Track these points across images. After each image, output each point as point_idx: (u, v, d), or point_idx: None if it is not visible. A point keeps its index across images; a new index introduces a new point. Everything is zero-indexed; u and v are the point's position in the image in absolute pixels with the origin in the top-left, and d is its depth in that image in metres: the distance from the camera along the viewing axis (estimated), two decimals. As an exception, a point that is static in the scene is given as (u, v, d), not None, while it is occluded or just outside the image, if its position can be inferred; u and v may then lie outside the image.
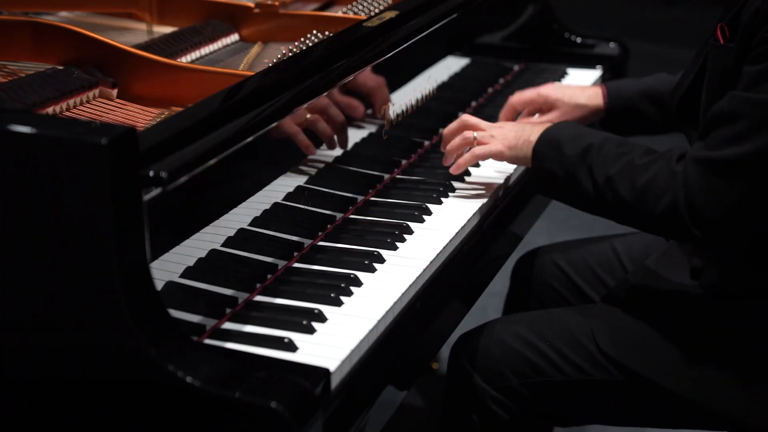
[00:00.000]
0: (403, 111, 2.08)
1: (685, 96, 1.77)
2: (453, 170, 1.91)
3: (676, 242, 1.85)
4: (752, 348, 1.69)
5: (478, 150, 1.87)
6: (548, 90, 2.15)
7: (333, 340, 1.44)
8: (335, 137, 1.84)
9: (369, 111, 1.99)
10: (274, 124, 1.60)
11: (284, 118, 1.66)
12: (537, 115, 2.19)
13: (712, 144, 1.59)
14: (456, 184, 1.95)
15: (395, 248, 1.70)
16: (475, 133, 1.88)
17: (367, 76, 1.95)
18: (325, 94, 1.77)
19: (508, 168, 2.03)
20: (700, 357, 1.70)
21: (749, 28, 1.58)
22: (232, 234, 1.62)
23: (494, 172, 2.02)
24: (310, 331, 1.46)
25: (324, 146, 1.83)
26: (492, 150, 1.85)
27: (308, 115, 1.75)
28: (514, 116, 2.20)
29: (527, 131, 1.83)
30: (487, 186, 1.96)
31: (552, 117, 2.13)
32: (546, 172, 1.77)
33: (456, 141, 1.90)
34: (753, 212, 1.58)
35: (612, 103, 2.14)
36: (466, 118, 1.92)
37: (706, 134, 1.61)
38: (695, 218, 1.59)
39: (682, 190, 1.59)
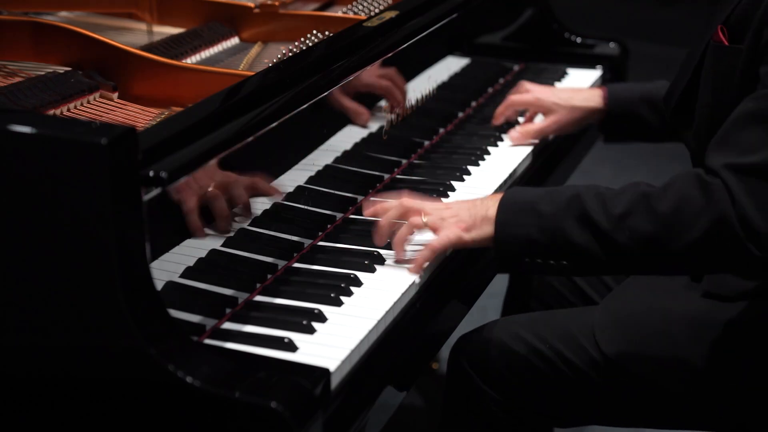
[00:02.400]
0: (403, 111, 2.08)
1: (680, 98, 1.76)
2: (412, 270, 1.63)
3: None
4: (752, 349, 1.69)
5: (435, 243, 1.62)
6: (546, 95, 2.15)
7: (333, 340, 1.44)
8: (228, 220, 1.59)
9: (368, 111, 1.99)
10: (274, 124, 1.60)
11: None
12: (523, 118, 2.20)
13: (745, 149, 1.48)
14: (456, 184, 1.95)
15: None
16: (424, 218, 1.64)
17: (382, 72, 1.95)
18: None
19: (510, 167, 2.03)
20: (701, 358, 1.69)
21: (759, 29, 1.56)
22: (232, 234, 1.62)
23: (495, 171, 2.02)
24: (310, 331, 1.46)
25: (324, 146, 1.84)
26: (450, 238, 1.61)
27: (209, 189, 1.51)
28: (515, 115, 2.20)
29: (480, 207, 1.62)
30: (487, 185, 1.95)
31: (547, 123, 2.13)
32: (519, 241, 1.56)
33: (403, 231, 1.64)
34: None
35: (612, 105, 2.13)
36: (407, 202, 1.66)
37: (732, 140, 1.51)
38: (750, 232, 1.44)
39: (729, 203, 1.45)
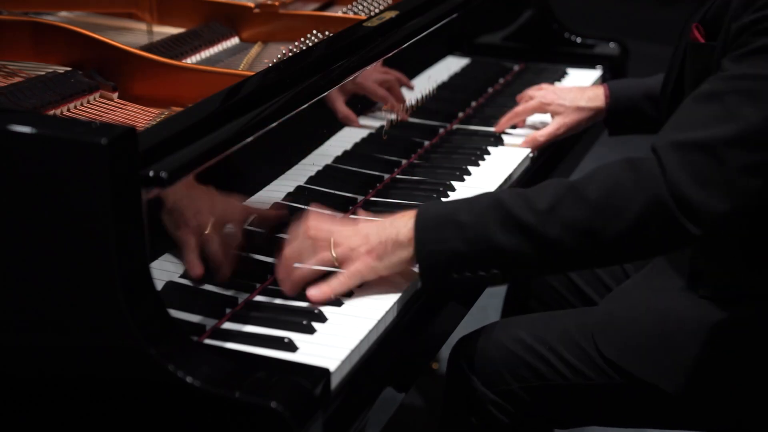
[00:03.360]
0: (402, 111, 2.08)
1: (669, 98, 1.76)
2: (315, 299, 1.51)
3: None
4: (751, 350, 1.69)
5: (345, 280, 1.50)
6: (549, 97, 2.16)
7: (333, 340, 1.44)
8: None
9: (368, 111, 1.99)
10: (274, 124, 1.60)
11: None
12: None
13: (688, 126, 1.44)
14: (456, 184, 1.95)
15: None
16: (333, 253, 1.51)
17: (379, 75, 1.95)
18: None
19: (510, 166, 2.03)
20: (701, 360, 1.69)
21: (729, 24, 1.56)
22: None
23: (495, 170, 2.02)
24: (310, 331, 1.46)
25: (324, 146, 1.83)
26: (362, 271, 1.51)
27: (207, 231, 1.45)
28: (522, 123, 2.21)
29: (390, 230, 1.51)
30: (487, 185, 1.95)
31: (555, 126, 2.14)
32: (443, 256, 1.47)
33: (312, 264, 1.52)
34: (755, 194, 1.44)
35: (613, 103, 2.14)
36: (313, 229, 1.52)
37: (680, 119, 1.48)
38: (687, 209, 1.41)
39: (664, 184, 1.41)
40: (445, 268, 1.49)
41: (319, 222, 1.54)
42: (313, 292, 1.51)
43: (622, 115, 2.15)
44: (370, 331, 1.48)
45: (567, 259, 1.48)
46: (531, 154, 2.13)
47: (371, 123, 1.99)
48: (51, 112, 1.66)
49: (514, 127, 2.22)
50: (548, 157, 2.20)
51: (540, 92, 2.19)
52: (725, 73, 1.49)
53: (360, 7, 2.21)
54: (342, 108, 1.86)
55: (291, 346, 1.41)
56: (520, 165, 2.07)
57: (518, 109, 2.19)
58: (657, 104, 2.10)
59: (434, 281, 1.51)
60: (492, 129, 2.20)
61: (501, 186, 1.97)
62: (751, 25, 1.49)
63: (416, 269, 1.53)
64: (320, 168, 1.84)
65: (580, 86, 2.23)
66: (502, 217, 1.46)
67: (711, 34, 1.63)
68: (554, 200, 1.45)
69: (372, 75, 1.94)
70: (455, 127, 2.26)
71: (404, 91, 2.09)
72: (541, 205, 1.45)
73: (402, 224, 1.50)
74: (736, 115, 1.43)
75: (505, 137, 2.17)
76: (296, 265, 1.52)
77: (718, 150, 1.42)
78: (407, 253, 1.50)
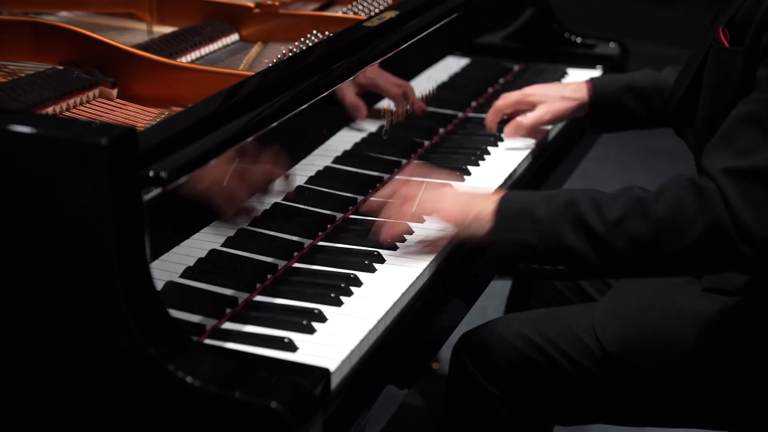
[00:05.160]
0: (403, 111, 2.08)
1: (682, 99, 1.76)
2: (427, 250, 1.68)
3: None
4: (754, 345, 1.69)
5: (432, 236, 1.67)
6: (533, 89, 2.17)
7: (333, 340, 1.44)
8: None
9: (368, 111, 1.99)
10: (274, 124, 1.60)
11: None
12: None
13: (740, 152, 1.49)
14: (456, 184, 1.95)
15: (395, 248, 1.70)
16: (415, 209, 1.68)
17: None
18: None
19: (510, 166, 2.03)
20: (702, 354, 1.70)
21: (759, 31, 1.56)
22: (232, 234, 1.62)
23: (495, 171, 2.02)
24: (310, 331, 1.46)
25: (324, 146, 1.84)
26: (443, 220, 1.66)
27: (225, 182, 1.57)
28: (501, 118, 2.19)
29: (474, 206, 1.63)
30: (487, 185, 1.95)
31: (541, 111, 2.13)
32: (517, 246, 1.58)
33: (394, 217, 1.69)
34: None
35: (596, 97, 2.15)
36: (403, 187, 1.70)
37: (730, 142, 1.52)
38: (744, 235, 1.46)
39: (723, 208, 1.46)
40: (515, 255, 1.61)
41: (410, 183, 1.71)
42: (386, 231, 1.69)
43: (605, 108, 2.15)
44: (370, 331, 1.48)
45: (628, 269, 1.57)
46: (533, 152, 2.13)
47: (371, 123, 1.99)
48: (50, 108, 1.66)
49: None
50: (548, 158, 2.20)
51: (521, 90, 2.18)
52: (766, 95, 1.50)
53: (360, 7, 2.21)
54: (352, 98, 1.87)
55: (291, 346, 1.41)
56: (520, 165, 2.07)
57: (498, 103, 2.17)
58: (640, 98, 2.12)
59: (502, 264, 1.65)
60: (491, 131, 2.19)
61: (501, 186, 1.97)
62: None
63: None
64: (320, 168, 1.84)
65: (563, 83, 2.23)
66: (574, 220, 1.54)
67: (736, 39, 1.62)
68: (622, 213, 1.51)
69: (384, 76, 1.95)
70: (455, 127, 2.26)
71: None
72: (610, 216, 1.51)
73: (487, 204, 1.61)
74: None
75: (505, 137, 2.17)
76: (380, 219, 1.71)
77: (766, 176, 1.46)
78: (482, 231, 1.61)
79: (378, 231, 1.70)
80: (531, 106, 2.16)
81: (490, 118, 2.18)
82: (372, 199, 1.72)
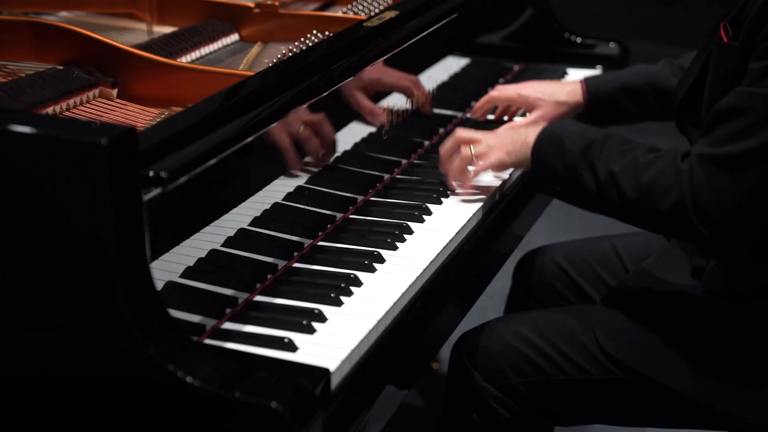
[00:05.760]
0: (403, 111, 2.08)
1: (687, 95, 1.77)
2: (465, 188, 1.90)
3: (678, 242, 1.85)
4: (754, 348, 1.69)
5: (482, 164, 1.85)
6: (528, 90, 2.16)
7: (333, 340, 1.44)
8: (322, 154, 1.83)
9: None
10: (274, 124, 1.60)
11: (278, 125, 1.65)
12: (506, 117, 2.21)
13: (716, 141, 1.58)
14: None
15: (395, 248, 1.70)
16: (472, 148, 1.86)
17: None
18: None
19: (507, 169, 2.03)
20: (702, 356, 1.70)
21: (752, 26, 1.57)
22: (232, 234, 1.62)
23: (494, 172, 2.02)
24: (310, 331, 1.46)
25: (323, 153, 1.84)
26: (493, 161, 1.84)
27: (301, 129, 1.75)
28: (491, 110, 2.21)
29: (523, 133, 1.82)
30: (487, 185, 1.95)
31: (534, 116, 2.13)
32: (547, 168, 1.76)
33: (456, 162, 1.88)
34: (759, 209, 1.57)
35: (591, 99, 2.16)
36: (460, 133, 1.89)
37: (710, 131, 1.60)
38: (702, 216, 1.57)
39: (688, 189, 1.58)
40: (545, 177, 1.78)
41: (466, 130, 1.91)
42: (464, 188, 1.91)
43: (600, 108, 2.16)
44: (370, 331, 1.48)
45: (617, 216, 1.72)
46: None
47: (371, 123, 1.99)
48: (50, 108, 1.66)
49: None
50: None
51: (517, 84, 2.19)
52: (748, 89, 1.56)
53: (360, 7, 2.21)
54: (368, 105, 1.92)
55: (291, 346, 1.41)
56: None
57: (493, 93, 2.19)
58: (634, 96, 2.14)
59: (538, 182, 1.86)
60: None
61: (500, 185, 1.97)
62: None
63: None
64: (320, 168, 1.84)
65: (558, 81, 2.23)
66: (590, 162, 1.70)
67: (737, 34, 1.64)
68: (620, 168, 1.66)
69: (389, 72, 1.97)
70: (455, 127, 2.25)
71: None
72: (613, 166, 1.67)
73: (533, 131, 1.80)
74: (751, 134, 1.54)
75: None
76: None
77: (732, 165, 1.55)
78: (527, 154, 1.79)
79: (446, 173, 1.90)
80: (525, 106, 2.16)
81: (481, 105, 2.20)
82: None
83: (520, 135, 1.82)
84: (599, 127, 2.22)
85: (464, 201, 1.89)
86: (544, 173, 1.77)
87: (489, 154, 1.85)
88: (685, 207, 1.58)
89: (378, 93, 2.02)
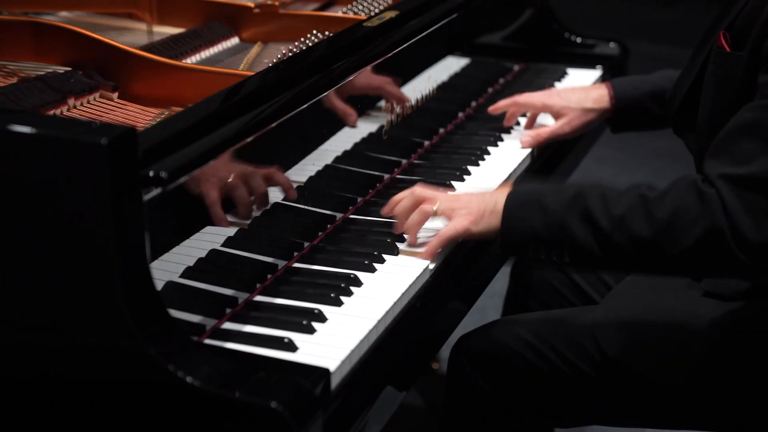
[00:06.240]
0: (403, 111, 2.08)
1: (684, 99, 1.76)
2: (424, 257, 1.68)
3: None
4: (753, 349, 1.69)
5: (444, 232, 1.68)
6: (554, 99, 2.14)
7: (333, 340, 1.44)
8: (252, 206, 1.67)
9: (368, 111, 1.99)
10: (274, 125, 1.60)
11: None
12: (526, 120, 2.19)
13: (740, 159, 1.50)
14: (456, 184, 1.95)
15: (395, 248, 1.70)
16: (435, 206, 1.69)
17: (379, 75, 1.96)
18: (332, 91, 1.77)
19: (509, 167, 2.03)
20: (701, 358, 1.70)
21: (760, 37, 1.56)
22: (232, 234, 1.62)
23: (494, 171, 2.02)
24: (310, 331, 1.46)
25: (324, 146, 1.83)
26: (458, 229, 1.67)
27: (230, 179, 1.60)
28: (518, 115, 2.19)
29: (489, 200, 1.67)
30: (486, 185, 1.95)
31: (561, 123, 2.13)
32: (524, 235, 1.60)
33: (415, 218, 1.70)
34: None
35: (618, 104, 2.13)
36: (418, 191, 1.72)
37: (729, 149, 1.53)
38: (741, 243, 1.47)
39: (722, 214, 1.47)
40: (523, 244, 1.61)
41: (425, 189, 1.73)
42: (421, 251, 1.68)
43: (627, 114, 2.14)
44: (370, 331, 1.48)
45: (627, 265, 1.61)
46: (533, 152, 2.13)
47: (371, 123, 1.99)
48: (51, 112, 1.66)
49: (513, 128, 2.21)
50: (548, 158, 2.21)
51: (543, 92, 2.18)
52: (766, 103, 1.50)
53: (360, 7, 2.21)
54: (341, 106, 1.87)
55: (291, 346, 1.41)
56: (520, 165, 2.07)
57: (519, 99, 2.15)
58: (662, 102, 2.10)
59: (512, 254, 1.67)
60: (492, 130, 2.19)
61: (501, 186, 1.97)
62: None
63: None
64: (320, 168, 1.84)
65: (583, 87, 2.21)
66: (582, 212, 1.56)
67: (737, 43, 1.62)
68: (627, 209, 1.53)
69: (370, 76, 1.95)
70: (455, 127, 2.26)
71: (404, 90, 2.09)
72: (615, 211, 1.54)
73: (500, 196, 1.64)
74: None
75: (505, 137, 2.17)
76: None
77: (765, 184, 1.47)
78: (496, 223, 1.64)
79: (401, 230, 1.72)
80: (551, 114, 2.15)
81: (505, 105, 2.16)
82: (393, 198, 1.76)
83: (486, 202, 1.67)
84: (624, 132, 2.23)
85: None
86: (522, 240, 1.62)
87: (452, 216, 1.69)
88: (721, 235, 1.47)
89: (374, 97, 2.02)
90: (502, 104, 2.18)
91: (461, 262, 1.76)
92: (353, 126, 1.93)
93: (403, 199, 1.73)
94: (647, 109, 2.13)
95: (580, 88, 2.20)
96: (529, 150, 2.12)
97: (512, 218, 1.61)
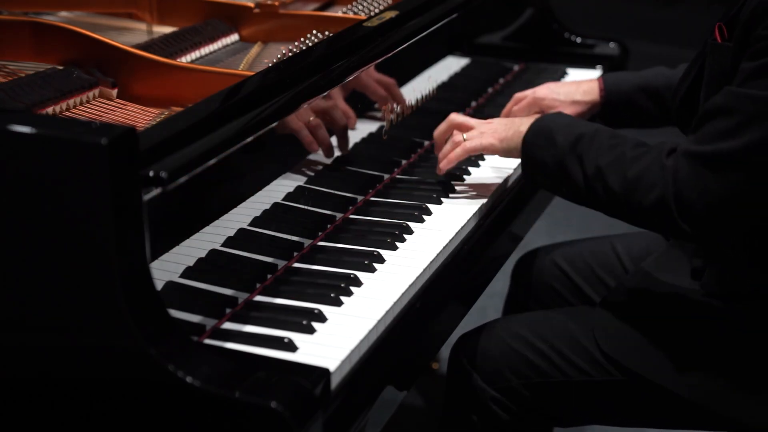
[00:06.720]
0: (403, 111, 2.08)
1: (685, 96, 1.77)
2: (443, 165, 1.89)
3: (677, 242, 1.84)
4: (752, 349, 1.69)
5: (469, 144, 1.86)
6: (544, 92, 2.14)
7: (333, 340, 1.44)
8: (334, 143, 1.85)
9: (368, 110, 1.99)
10: (273, 125, 1.60)
11: (287, 116, 1.66)
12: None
13: (703, 138, 1.58)
14: (456, 184, 1.95)
15: (395, 248, 1.70)
16: (464, 135, 1.87)
17: (377, 75, 1.96)
18: (327, 93, 1.77)
19: (508, 168, 2.03)
20: (701, 358, 1.70)
21: (747, 26, 1.58)
22: (232, 234, 1.62)
23: (494, 171, 2.02)
24: (310, 331, 1.46)
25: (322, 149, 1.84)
26: (483, 143, 1.85)
27: (311, 118, 1.77)
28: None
29: (516, 123, 1.83)
30: (486, 186, 1.95)
31: None
32: (536, 161, 1.76)
33: (447, 146, 1.89)
34: (742, 208, 1.57)
35: (608, 96, 2.14)
36: (454, 117, 1.91)
37: (698, 129, 1.60)
38: (684, 212, 1.57)
39: (671, 185, 1.57)
40: (534, 168, 1.78)
41: (460, 115, 1.92)
42: (443, 163, 1.90)
43: (617, 108, 2.14)
44: (370, 331, 1.48)
45: (605, 210, 1.71)
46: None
47: (371, 123, 1.99)
48: (50, 109, 1.66)
49: None
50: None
51: (535, 88, 2.18)
52: (737, 90, 1.56)
53: (360, 7, 2.21)
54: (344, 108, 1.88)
55: (291, 346, 1.41)
56: (520, 165, 2.07)
57: (512, 109, 2.15)
58: (653, 97, 2.11)
59: (527, 174, 1.81)
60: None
61: (500, 185, 1.97)
62: (764, 39, 1.53)
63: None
64: (320, 168, 1.84)
65: (576, 81, 2.22)
66: (578, 155, 1.70)
67: (731, 35, 1.64)
68: (609, 162, 1.66)
69: (371, 75, 1.95)
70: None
71: (404, 90, 2.09)
72: (601, 160, 1.67)
73: (527, 122, 1.81)
74: (739, 134, 1.54)
75: None
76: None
77: (718, 163, 1.55)
78: (518, 145, 1.80)
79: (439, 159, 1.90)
80: (542, 107, 2.15)
81: (508, 109, 2.16)
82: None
83: (514, 124, 1.84)
84: (616, 128, 2.23)
85: (464, 200, 1.89)
86: (534, 165, 1.77)
87: (481, 137, 1.86)
88: (667, 203, 1.58)
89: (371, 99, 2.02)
90: (508, 110, 2.17)
91: (461, 262, 1.76)
92: (352, 128, 1.94)
93: (441, 128, 1.92)
94: (637, 103, 2.13)
95: (572, 81, 2.20)
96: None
97: (530, 145, 1.77)
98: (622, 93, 2.13)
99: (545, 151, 1.74)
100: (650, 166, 1.62)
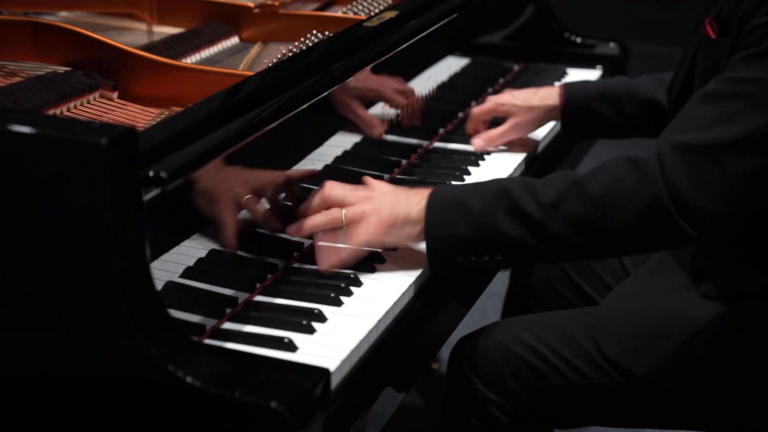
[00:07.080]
0: (403, 111, 2.08)
1: (679, 95, 1.76)
2: (323, 270, 1.59)
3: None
4: (753, 350, 1.69)
5: (352, 251, 1.59)
6: (504, 97, 2.11)
7: (333, 340, 1.44)
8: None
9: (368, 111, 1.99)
10: (273, 124, 1.60)
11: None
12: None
13: (692, 127, 1.46)
14: (456, 185, 1.95)
15: (395, 248, 1.70)
16: (344, 211, 1.58)
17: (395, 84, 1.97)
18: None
19: (511, 166, 2.03)
20: (701, 359, 1.70)
21: (742, 22, 1.56)
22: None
23: (495, 171, 2.02)
24: (310, 331, 1.46)
25: (324, 146, 1.84)
26: (369, 241, 1.57)
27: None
28: (484, 127, 2.14)
29: (402, 206, 1.57)
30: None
31: (509, 124, 2.09)
32: (449, 242, 1.53)
33: (320, 219, 1.59)
34: (754, 199, 1.46)
35: (567, 103, 2.08)
36: (329, 191, 1.60)
37: (684, 118, 1.49)
38: (686, 213, 1.44)
39: (662, 185, 1.43)
40: (451, 251, 1.54)
41: (336, 185, 1.61)
42: (324, 264, 1.58)
43: (577, 114, 2.09)
44: (370, 331, 1.48)
45: (568, 252, 1.52)
46: (532, 153, 2.13)
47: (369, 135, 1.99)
48: (51, 112, 1.66)
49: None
50: (546, 159, 2.20)
51: (498, 95, 2.16)
52: (731, 75, 1.49)
53: (360, 7, 2.21)
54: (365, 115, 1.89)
55: (291, 346, 1.41)
56: (519, 165, 2.07)
57: (474, 110, 2.14)
58: (612, 103, 2.05)
59: (440, 263, 1.57)
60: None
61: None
62: (762, 27, 1.50)
63: (422, 247, 1.59)
64: (320, 168, 1.84)
65: (536, 87, 2.17)
66: (508, 206, 1.50)
67: (724, 31, 1.62)
68: (558, 194, 1.48)
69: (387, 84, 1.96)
70: (455, 127, 2.26)
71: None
72: (545, 198, 1.48)
73: (415, 202, 1.56)
74: (739, 119, 1.45)
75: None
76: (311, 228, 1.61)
77: (718, 153, 1.45)
78: (416, 231, 1.56)
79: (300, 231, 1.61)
80: (503, 114, 2.12)
81: (470, 126, 2.14)
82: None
83: (400, 208, 1.57)
84: (580, 138, 2.20)
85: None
86: (448, 247, 1.54)
87: (362, 225, 1.57)
88: (662, 206, 1.44)
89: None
90: (469, 128, 2.13)
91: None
92: (379, 136, 1.94)
93: (312, 203, 1.61)
94: (596, 110, 2.07)
95: (533, 88, 2.16)
96: (525, 154, 2.11)
97: (436, 225, 1.53)
98: (580, 99, 2.08)
99: (459, 225, 1.51)
100: (618, 175, 1.46)
